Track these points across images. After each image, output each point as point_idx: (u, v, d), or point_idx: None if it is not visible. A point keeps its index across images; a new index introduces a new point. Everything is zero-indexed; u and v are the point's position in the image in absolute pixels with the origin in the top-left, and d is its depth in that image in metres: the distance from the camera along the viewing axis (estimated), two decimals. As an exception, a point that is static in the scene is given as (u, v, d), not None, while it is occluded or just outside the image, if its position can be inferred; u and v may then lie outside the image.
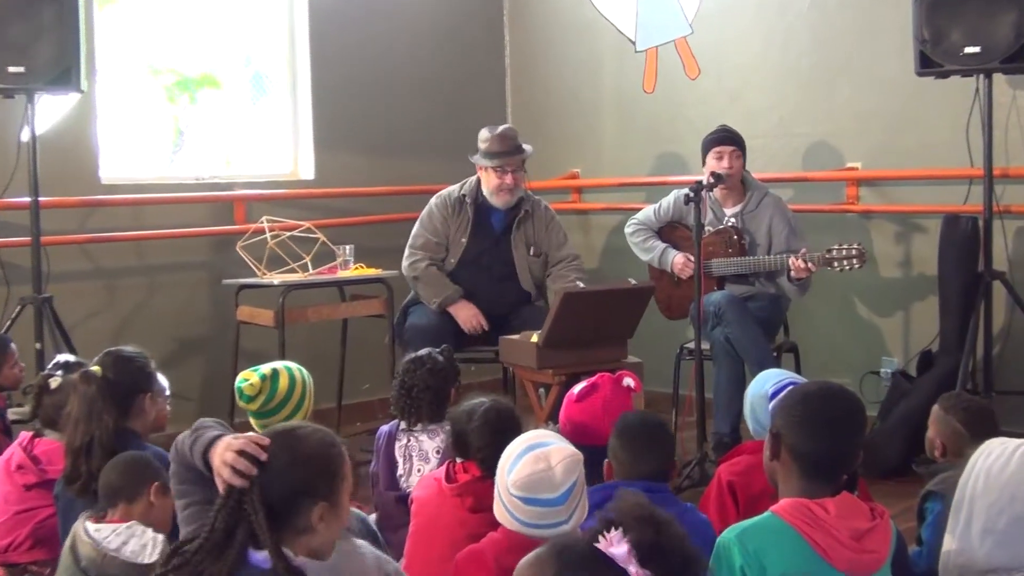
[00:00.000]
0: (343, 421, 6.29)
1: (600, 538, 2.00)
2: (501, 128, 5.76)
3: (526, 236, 5.82)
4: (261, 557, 2.33)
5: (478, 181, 5.80)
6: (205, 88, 6.55)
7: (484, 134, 5.76)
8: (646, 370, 5.05)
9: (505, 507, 2.90)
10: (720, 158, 5.57)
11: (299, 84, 6.71)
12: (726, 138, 5.61)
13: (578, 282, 5.71)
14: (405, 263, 5.76)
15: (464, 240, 5.73)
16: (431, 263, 5.72)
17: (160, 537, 3.12)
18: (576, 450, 2.95)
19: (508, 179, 5.70)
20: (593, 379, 3.72)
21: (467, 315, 5.63)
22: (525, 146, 5.82)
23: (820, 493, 2.64)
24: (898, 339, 6.01)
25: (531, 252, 5.82)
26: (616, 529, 2.00)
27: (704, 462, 4.98)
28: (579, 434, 3.50)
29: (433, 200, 5.87)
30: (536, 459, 2.88)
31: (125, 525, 3.14)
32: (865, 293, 6.10)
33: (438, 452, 3.93)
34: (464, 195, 5.79)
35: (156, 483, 3.23)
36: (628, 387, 3.72)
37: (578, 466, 2.90)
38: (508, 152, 5.70)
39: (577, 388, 3.70)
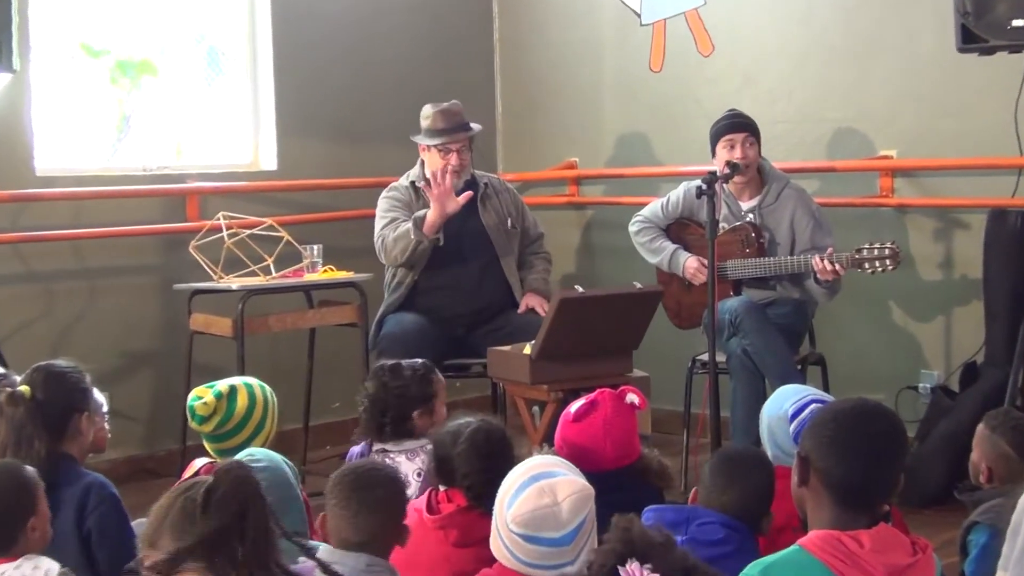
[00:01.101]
0: (311, 444, 6.28)
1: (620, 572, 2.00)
2: (446, 104, 5.84)
3: (496, 211, 5.90)
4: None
5: (422, 165, 5.89)
6: (152, 68, 6.52)
7: (427, 110, 5.86)
8: (654, 385, 5.04)
9: (503, 543, 2.89)
10: (731, 148, 5.56)
11: (260, 62, 6.69)
12: (737, 124, 5.61)
13: (544, 260, 5.83)
14: (377, 246, 5.78)
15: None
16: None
17: (56, 568, 3.06)
18: (587, 484, 2.94)
19: (453, 159, 5.76)
20: (592, 396, 3.71)
21: (440, 204, 5.60)
22: (473, 124, 5.88)
23: (854, 524, 2.62)
24: (938, 350, 6.00)
25: (509, 224, 5.90)
26: (633, 561, 2.01)
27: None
28: (577, 458, 3.48)
29: (384, 194, 5.93)
30: (540, 492, 2.87)
31: (13, 566, 3.08)
32: (901, 298, 6.10)
33: (418, 475, 3.93)
34: (413, 181, 5.86)
35: (33, 518, 3.14)
36: (632, 404, 3.71)
37: (588, 502, 2.89)
38: (452, 129, 5.79)
39: (574, 406, 3.70)
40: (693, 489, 3.30)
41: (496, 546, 2.92)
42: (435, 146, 5.79)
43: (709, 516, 3.09)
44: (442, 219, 5.61)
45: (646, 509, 3.16)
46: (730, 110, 5.74)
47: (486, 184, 5.93)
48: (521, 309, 5.78)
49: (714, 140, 5.66)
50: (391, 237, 5.70)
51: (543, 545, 2.83)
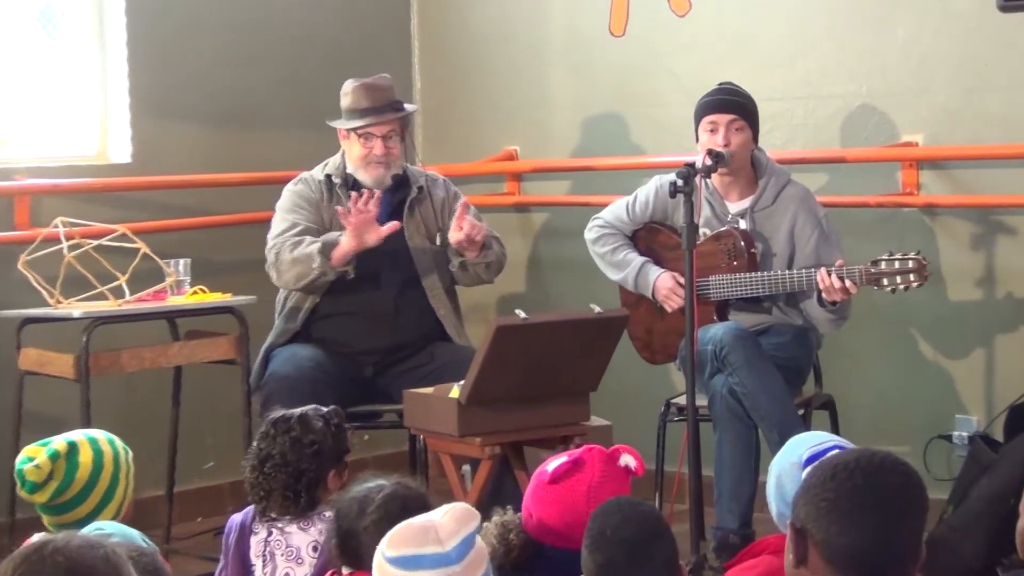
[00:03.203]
0: (177, 516, 6.26)
1: None
2: (371, 78, 5.89)
3: (424, 222, 5.91)
4: None
5: (343, 157, 5.93)
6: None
7: (347, 86, 5.90)
8: (618, 437, 5.05)
9: None
10: (713, 131, 5.63)
11: (109, 24, 6.67)
12: (722, 103, 5.66)
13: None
14: (269, 258, 5.82)
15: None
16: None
17: None
18: (466, 504, 3.05)
19: (377, 147, 5.81)
20: (576, 453, 3.71)
21: (358, 234, 5.63)
22: (407, 105, 5.95)
23: (865, 609, 2.67)
24: (977, 389, 6.06)
25: (437, 242, 5.91)
26: None
27: (702, 569, 5.01)
28: (549, 531, 3.54)
29: (290, 186, 5.97)
30: (416, 519, 3.00)
31: None
32: (929, 323, 6.16)
33: (314, 549, 3.97)
34: (330, 175, 5.89)
35: None
36: (626, 468, 3.72)
37: (472, 519, 3.00)
38: (377, 109, 5.82)
39: (552, 463, 3.69)
40: None
41: None
42: (354, 130, 5.82)
43: None
44: (357, 251, 5.65)
45: None
46: (721, 84, 5.79)
47: (420, 187, 5.95)
48: (455, 236, 5.74)
49: (696, 121, 5.71)
50: (287, 257, 5.72)
51: (427, 567, 2.90)
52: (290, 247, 5.72)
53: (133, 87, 6.66)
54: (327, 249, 5.64)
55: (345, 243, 5.63)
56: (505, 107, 7.33)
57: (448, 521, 2.95)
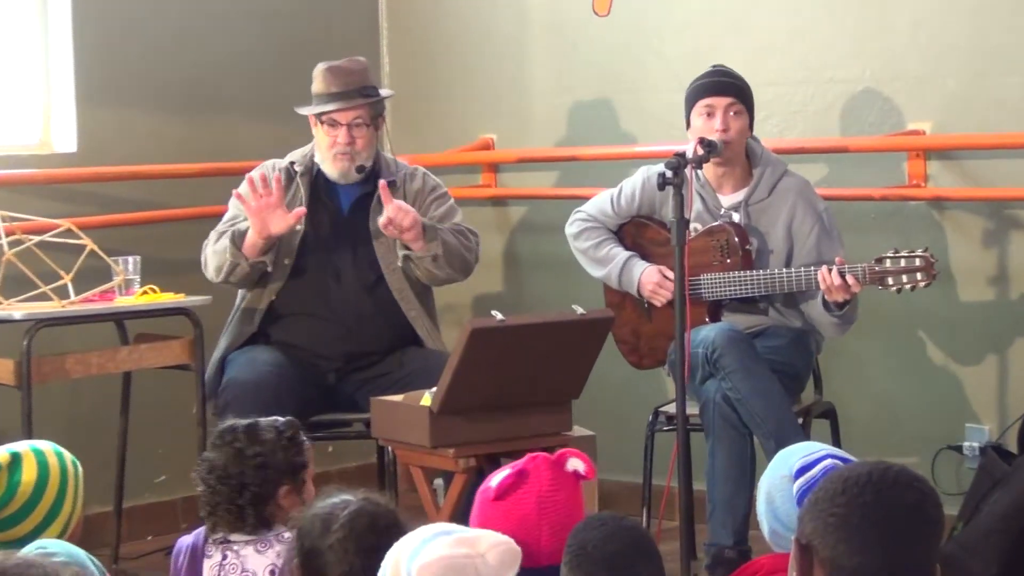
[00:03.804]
0: (126, 533, 6.24)
1: None
2: (341, 61, 5.88)
3: None
4: None
5: (314, 147, 5.95)
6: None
7: (316, 70, 5.90)
8: (602, 448, 5.05)
9: None
10: (709, 116, 5.61)
11: (52, 2, 6.64)
12: (719, 85, 5.66)
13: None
14: (203, 252, 5.87)
15: (299, 228, 5.78)
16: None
17: None
18: (513, 542, 3.00)
19: (342, 136, 5.79)
20: (520, 463, 3.71)
21: (260, 220, 5.65)
22: (383, 91, 5.95)
23: (873, 633, 2.66)
24: (989, 397, 6.07)
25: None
26: None
27: (694, 590, 5.01)
28: None
29: (251, 173, 5.92)
30: (457, 542, 2.94)
31: None
32: (937, 326, 6.17)
33: (271, 574, 3.95)
34: (293, 163, 5.89)
35: None
36: (575, 473, 3.71)
37: (516, 559, 2.96)
38: (345, 94, 5.81)
39: (496, 478, 3.69)
40: None
41: None
42: (318, 116, 5.81)
43: None
44: (264, 241, 5.65)
45: None
46: (714, 66, 5.79)
47: (392, 181, 5.89)
48: (382, 219, 5.67)
49: (688, 106, 5.71)
50: (210, 249, 5.79)
51: None
52: (215, 238, 5.79)
53: (78, 71, 6.63)
54: (237, 238, 5.67)
55: (250, 232, 5.66)
56: (480, 92, 7.32)
57: (493, 562, 2.91)
